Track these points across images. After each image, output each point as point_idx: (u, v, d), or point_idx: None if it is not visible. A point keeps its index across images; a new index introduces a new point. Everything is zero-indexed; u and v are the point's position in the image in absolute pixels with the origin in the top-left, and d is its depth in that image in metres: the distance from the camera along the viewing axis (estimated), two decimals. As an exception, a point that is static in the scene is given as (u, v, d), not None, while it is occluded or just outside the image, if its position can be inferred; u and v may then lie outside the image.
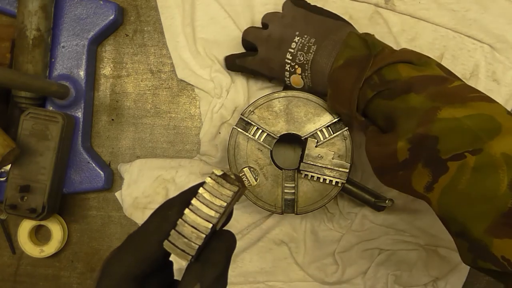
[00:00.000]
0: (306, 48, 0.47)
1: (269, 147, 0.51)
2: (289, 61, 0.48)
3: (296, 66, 0.48)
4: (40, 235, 0.63)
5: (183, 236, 0.26)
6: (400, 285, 0.58)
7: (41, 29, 0.55)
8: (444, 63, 0.58)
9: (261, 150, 0.51)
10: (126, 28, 0.62)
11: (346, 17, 0.58)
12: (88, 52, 0.59)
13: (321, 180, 0.50)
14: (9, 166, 0.54)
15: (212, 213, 0.26)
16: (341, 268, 0.58)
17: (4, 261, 0.63)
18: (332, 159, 0.50)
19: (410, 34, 0.58)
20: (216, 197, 0.26)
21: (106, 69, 0.62)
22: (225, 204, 0.26)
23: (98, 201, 0.62)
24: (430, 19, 0.58)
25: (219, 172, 0.27)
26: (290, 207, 0.51)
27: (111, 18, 0.58)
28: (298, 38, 0.48)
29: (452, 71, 0.58)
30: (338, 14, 0.59)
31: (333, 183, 0.50)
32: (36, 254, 0.60)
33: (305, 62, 0.47)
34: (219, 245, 0.28)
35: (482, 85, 0.58)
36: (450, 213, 0.37)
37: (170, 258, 0.31)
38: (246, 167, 0.51)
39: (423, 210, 0.57)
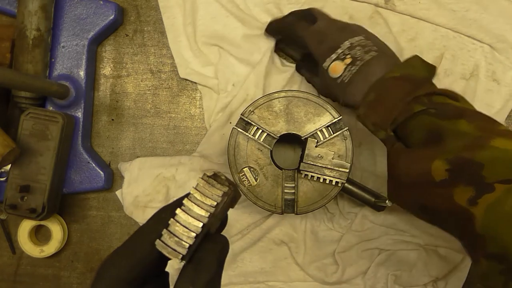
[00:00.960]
0: (366, 48, 0.46)
1: (269, 147, 0.51)
2: (344, 48, 0.47)
3: (348, 56, 0.46)
4: (40, 235, 0.63)
5: (175, 235, 0.26)
6: (400, 285, 0.58)
7: (41, 29, 0.55)
8: (444, 63, 0.58)
9: (261, 150, 0.51)
10: (126, 28, 0.62)
11: (346, 17, 0.59)
12: (88, 52, 0.59)
13: (321, 180, 0.50)
14: (9, 166, 0.54)
15: (203, 212, 0.27)
16: (341, 268, 0.58)
17: (4, 261, 0.63)
18: (332, 159, 0.50)
19: (410, 34, 0.58)
20: (207, 197, 0.27)
21: (106, 69, 0.62)
22: (215, 203, 0.27)
23: (98, 201, 0.62)
24: (430, 19, 0.58)
25: (210, 173, 0.28)
26: (290, 207, 0.51)
27: (111, 18, 0.58)
28: (363, 37, 0.47)
29: (452, 71, 0.58)
30: (339, 14, 0.59)
31: (333, 183, 0.50)
32: (36, 254, 0.60)
33: (358, 58, 0.46)
34: (211, 247, 0.28)
35: (482, 85, 0.58)
36: (492, 232, 0.36)
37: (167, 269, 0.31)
38: (246, 167, 0.51)
39: (423, 210, 0.57)
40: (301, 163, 0.50)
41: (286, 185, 0.51)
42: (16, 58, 0.55)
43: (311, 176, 0.50)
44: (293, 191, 0.51)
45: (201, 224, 0.26)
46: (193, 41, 0.59)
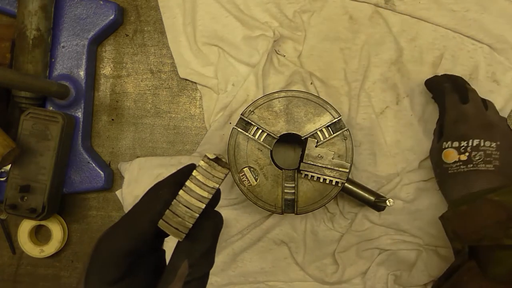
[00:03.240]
0: (488, 158, 0.46)
1: (269, 147, 0.51)
2: (470, 145, 0.47)
3: (467, 154, 0.46)
4: (40, 235, 0.63)
5: (177, 215, 0.28)
6: (400, 285, 0.58)
7: (41, 29, 0.55)
8: (444, 63, 0.58)
9: (261, 150, 0.51)
10: (126, 28, 0.62)
11: (346, 17, 0.59)
12: (88, 52, 0.59)
13: (321, 180, 0.50)
14: (9, 166, 0.54)
15: (205, 194, 0.28)
16: (341, 268, 0.58)
17: (4, 261, 0.63)
18: (332, 159, 0.50)
19: (410, 34, 0.58)
20: (208, 179, 0.28)
21: (106, 69, 0.62)
22: (217, 186, 0.28)
23: (98, 201, 0.62)
24: (430, 19, 0.58)
25: (212, 156, 0.28)
26: (290, 207, 0.51)
27: (111, 18, 0.58)
28: (495, 145, 0.46)
29: (452, 71, 0.58)
30: (339, 14, 0.59)
31: (333, 183, 0.50)
32: (36, 254, 0.60)
33: (474, 162, 0.46)
34: (206, 223, 0.29)
35: (482, 86, 0.58)
36: None
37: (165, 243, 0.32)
38: (246, 167, 0.51)
39: (423, 210, 0.57)
40: (301, 163, 0.50)
41: (286, 185, 0.51)
42: (16, 58, 0.55)
43: (311, 176, 0.50)
44: (293, 191, 0.51)
45: (203, 205, 0.28)
46: (193, 41, 0.59)
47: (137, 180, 0.59)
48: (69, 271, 0.62)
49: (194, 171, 0.28)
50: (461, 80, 0.53)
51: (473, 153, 0.46)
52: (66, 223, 0.61)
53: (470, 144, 0.46)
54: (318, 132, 0.51)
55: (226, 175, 0.28)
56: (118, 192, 0.61)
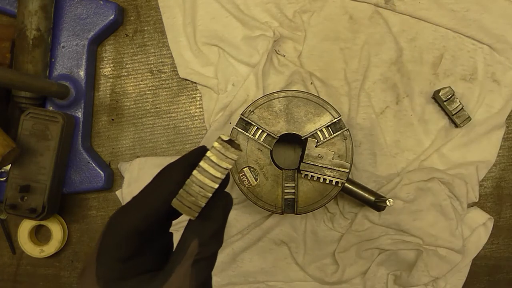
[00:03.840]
0: None
1: (269, 147, 0.51)
2: None
3: None
4: (40, 235, 0.63)
5: (190, 194, 0.28)
6: (400, 285, 0.58)
7: (41, 29, 0.55)
8: (444, 63, 0.58)
9: (261, 150, 0.51)
10: (126, 28, 0.62)
11: (346, 17, 0.59)
12: (88, 52, 0.59)
13: (321, 180, 0.50)
14: (9, 166, 0.54)
15: (218, 174, 0.28)
16: (341, 268, 0.58)
17: (4, 261, 0.63)
18: (332, 159, 0.50)
19: (410, 34, 0.58)
20: (222, 160, 0.28)
21: (106, 69, 0.62)
22: (230, 166, 0.28)
23: (98, 201, 0.62)
24: (430, 19, 0.58)
25: (225, 137, 0.29)
26: (290, 207, 0.51)
27: (111, 18, 0.58)
28: None
29: (452, 71, 0.58)
30: (339, 14, 0.59)
31: (333, 183, 0.50)
32: (36, 254, 0.60)
33: None
34: (217, 203, 0.30)
35: (482, 86, 0.58)
36: None
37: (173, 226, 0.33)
38: (246, 167, 0.51)
39: (423, 210, 0.57)
40: (301, 163, 0.50)
41: (286, 185, 0.51)
42: (16, 58, 0.55)
43: (311, 176, 0.50)
44: (293, 191, 0.51)
45: (216, 185, 0.28)
46: (193, 41, 0.59)
47: (137, 180, 0.59)
48: (69, 271, 0.62)
49: (208, 152, 0.29)
50: None
51: None
52: (66, 223, 0.61)
53: None
54: (318, 132, 0.51)
55: (239, 156, 0.29)
56: (118, 192, 0.61)
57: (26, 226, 0.60)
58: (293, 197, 0.51)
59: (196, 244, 0.29)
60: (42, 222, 0.59)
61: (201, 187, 0.28)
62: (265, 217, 0.59)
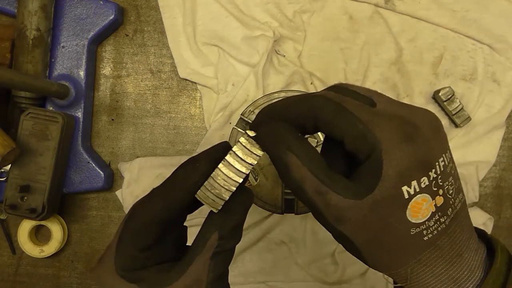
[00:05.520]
0: (453, 179, 0.27)
1: (269, 147, 0.51)
2: (438, 172, 0.25)
3: (441, 191, 0.25)
4: (40, 235, 0.63)
5: (215, 187, 0.29)
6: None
7: (41, 29, 0.55)
8: (444, 63, 0.58)
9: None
10: (126, 28, 0.62)
11: (346, 17, 0.59)
12: (88, 52, 0.59)
13: (321, 180, 0.50)
14: (9, 166, 0.54)
15: (244, 169, 0.29)
16: (341, 268, 0.58)
17: (4, 261, 0.63)
18: (332, 159, 0.50)
19: (410, 34, 0.58)
20: (247, 155, 0.29)
21: (106, 69, 0.62)
22: (255, 162, 0.29)
23: (98, 201, 0.62)
24: (430, 19, 0.58)
25: (252, 134, 0.29)
26: (290, 207, 0.51)
27: (111, 18, 0.58)
28: (450, 155, 0.28)
29: (452, 71, 0.58)
30: (339, 14, 0.59)
31: (333, 183, 0.50)
32: (36, 254, 0.60)
33: (451, 201, 0.26)
34: (239, 198, 0.30)
35: (482, 86, 0.58)
36: None
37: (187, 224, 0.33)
38: (246, 167, 0.51)
39: (423, 210, 0.57)
40: (301, 163, 0.50)
41: (286, 185, 0.51)
42: (16, 58, 0.55)
43: (311, 176, 0.50)
44: (293, 191, 0.51)
45: (240, 180, 0.29)
46: (193, 41, 0.59)
47: (137, 180, 0.59)
48: (69, 271, 0.62)
49: (235, 146, 0.29)
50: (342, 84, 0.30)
51: (446, 184, 0.26)
52: (66, 223, 0.61)
53: (438, 170, 0.25)
54: (318, 132, 0.50)
55: (263, 153, 0.30)
56: (118, 192, 0.61)
57: (26, 226, 0.60)
58: (293, 197, 0.51)
59: (216, 236, 0.29)
60: (42, 222, 0.59)
61: (226, 181, 0.29)
62: (265, 217, 0.59)
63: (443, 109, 0.58)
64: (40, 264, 0.62)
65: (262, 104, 0.51)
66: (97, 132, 0.62)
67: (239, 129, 0.51)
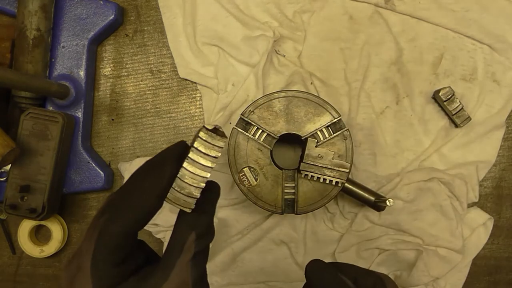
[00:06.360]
0: None
1: (269, 147, 0.51)
2: None
3: None
4: (40, 235, 0.63)
5: (184, 187, 0.29)
6: (400, 285, 0.58)
7: (41, 29, 0.55)
8: (444, 63, 0.58)
9: (261, 150, 0.51)
10: (126, 28, 0.62)
11: (346, 17, 0.59)
12: (88, 52, 0.59)
13: (321, 180, 0.50)
14: (9, 166, 0.54)
15: (209, 163, 0.29)
16: (341, 268, 0.58)
17: (4, 261, 0.63)
18: (332, 159, 0.50)
19: (410, 34, 0.58)
20: (210, 149, 0.29)
21: (106, 69, 0.62)
22: (219, 154, 0.29)
23: (98, 201, 0.62)
24: (430, 19, 0.58)
25: (210, 126, 0.29)
26: (290, 207, 0.51)
27: (111, 18, 0.58)
28: None
29: (452, 71, 0.58)
30: (339, 14, 0.59)
31: (333, 183, 0.50)
32: (36, 254, 0.60)
33: None
34: (208, 194, 0.30)
35: (482, 86, 0.58)
36: None
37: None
38: (246, 167, 0.51)
39: (423, 210, 0.57)
40: (301, 163, 0.50)
41: (286, 185, 0.51)
42: (16, 58, 0.55)
43: (311, 176, 0.50)
44: (293, 191, 0.51)
45: (208, 175, 0.29)
46: (193, 41, 0.59)
47: (137, 180, 0.59)
48: (69, 271, 0.62)
49: (195, 142, 0.29)
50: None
51: None
52: (66, 223, 0.61)
53: None
54: (318, 132, 0.51)
55: (225, 143, 0.29)
56: (118, 192, 0.61)
57: (26, 226, 0.60)
58: (293, 197, 0.51)
59: (194, 237, 0.28)
60: (42, 222, 0.59)
61: (194, 179, 0.28)
62: (265, 217, 0.59)
63: (443, 109, 0.58)
64: (40, 264, 0.62)
65: (262, 104, 0.51)
66: (97, 132, 0.62)
67: (239, 129, 0.51)
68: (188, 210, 0.29)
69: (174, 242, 0.29)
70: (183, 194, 0.28)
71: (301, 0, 0.59)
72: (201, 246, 0.29)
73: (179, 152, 0.29)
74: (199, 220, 0.29)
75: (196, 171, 0.29)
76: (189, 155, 0.29)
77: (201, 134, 0.29)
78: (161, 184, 0.28)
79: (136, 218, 0.28)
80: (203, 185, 0.29)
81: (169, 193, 0.28)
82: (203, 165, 0.29)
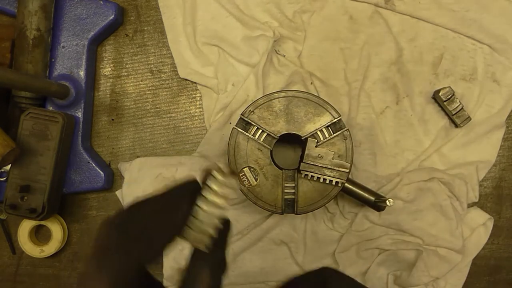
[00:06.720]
0: None
1: (269, 147, 0.51)
2: None
3: None
4: (40, 235, 0.63)
5: (198, 226, 0.29)
6: (400, 285, 0.58)
7: (41, 29, 0.55)
8: (444, 63, 0.58)
9: (261, 150, 0.51)
10: (126, 28, 0.62)
11: (346, 17, 0.59)
12: (88, 52, 0.59)
13: (321, 180, 0.50)
14: (9, 166, 0.54)
15: (222, 201, 0.29)
16: (341, 268, 0.58)
17: (4, 261, 0.63)
18: (332, 159, 0.50)
19: (410, 34, 0.58)
20: (222, 187, 0.29)
21: (106, 69, 0.62)
22: (233, 191, 0.29)
23: (98, 201, 0.62)
24: (430, 19, 0.58)
25: (222, 166, 0.29)
26: (290, 207, 0.51)
27: (111, 18, 0.58)
28: None
29: (452, 71, 0.58)
30: (339, 14, 0.59)
31: (333, 183, 0.50)
32: (36, 254, 0.60)
33: None
34: (222, 231, 0.30)
35: (482, 86, 0.58)
36: None
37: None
38: (246, 167, 0.51)
39: (423, 210, 0.57)
40: (301, 163, 0.50)
41: (286, 185, 0.51)
42: (16, 58, 0.55)
43: (311, 176, 0.50)
44: (293, 191, 0.51)
45: (223, 213, 0.29)
46: (193, 41, 0.59)
47: (137, 180, 0.59)
48: (69, 271, 0.62)
49: (208, 180, 0.29)
50: None
51: None
52: (66, 223, 0.61)
53: None
54: (318, 132, 0.51)
55: (238, 183, 0.30)
56: (118, 192, 0.61)
57: (26, 226, 0.60)
58: (293, 197, 0.51)
59: (209, 273, 0.29)
60: (42, 222, 0.59)
61: (209, 217, 0.28)
62: (265, 217, 0.59)
63: (443, 109, 0.58)
64: (40, 264, 0.62)
65: (262, 104, 0.51)
66: (97, 132, 0.62)
67: (239, 129, 0.51)
68: (204, 249, 0.29)
69: (193, 278, 0.30)
70: (197, 232, 0.28)
71: (301, 0, 0.59)
72: (216, 280, 0.30)
73: (192, 189, 0.30)
74: (214, 257, 0.30)
75: (210, 209, 0.28)
76: (202, 193, 0.29)
77: (214, 172, 0.29)
78: (175, 222, 0.29)
79: (151, 256, 0.29)
80: (217, 221, 0.29)
81: (185, 231, 0.28)
82: (217, 203, 0.29)
